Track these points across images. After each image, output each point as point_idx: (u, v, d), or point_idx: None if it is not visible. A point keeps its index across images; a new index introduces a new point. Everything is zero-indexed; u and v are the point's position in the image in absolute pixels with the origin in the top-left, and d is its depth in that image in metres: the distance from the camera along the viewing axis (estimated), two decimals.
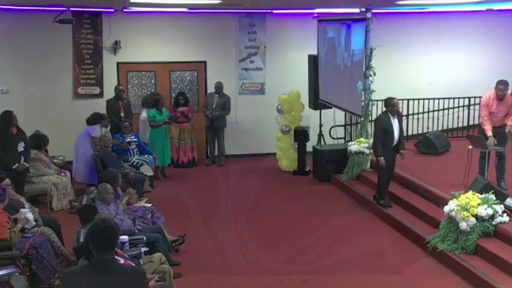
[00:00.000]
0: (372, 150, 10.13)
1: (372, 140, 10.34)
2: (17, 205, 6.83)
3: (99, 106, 11.23)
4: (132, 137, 10.56)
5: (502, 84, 7.94)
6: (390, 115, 8.41)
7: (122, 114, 11.00)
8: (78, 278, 3.70)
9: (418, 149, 10.74)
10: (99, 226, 3.70)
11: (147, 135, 11.23)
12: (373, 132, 8.90)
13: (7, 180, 6.95)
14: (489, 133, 7.99)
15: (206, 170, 11.87)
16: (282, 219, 8.83)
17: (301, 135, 11.27)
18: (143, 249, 6.18)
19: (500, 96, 7.95)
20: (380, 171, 8.71)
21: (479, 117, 8.57)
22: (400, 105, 8.64)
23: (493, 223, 6.83)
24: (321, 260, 7.06)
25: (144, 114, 11.46)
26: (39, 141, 9.43)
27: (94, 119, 10.20)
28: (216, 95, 11.83)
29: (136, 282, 3.75)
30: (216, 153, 12.15)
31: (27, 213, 6.65)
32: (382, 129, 8.40)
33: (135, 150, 10.46)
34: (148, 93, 12.09)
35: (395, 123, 8.44)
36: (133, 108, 11.81)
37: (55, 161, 9.97)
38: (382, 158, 8.41)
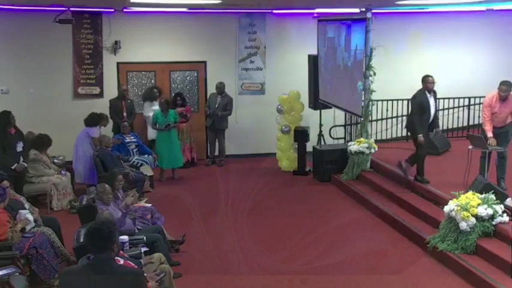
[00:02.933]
0: (373, 149, 10.16)
1: (371, 140, 10.39)
2: (17, 205, 6.83)
3: (99, 106, 11.24)
4: (132, 137, 10.54)
5: (504, 85, 7.95)
6: (426, 92, 8.54)
7: (125, 114, 10.99)
8: (77, 277, 3.70)
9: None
10: (91, 229, 3.70)
11: (153, 131, 11.19)
12: (410, 110, 8.99)
13: (5, 182, 6.95)
14: (489, 134, 8.00)
15: (206, 170, 11.86)
16: (282, 219, 8.83)
17: (301, 135, 11.26)
18: (143, 249, 6.18)
19: (502, 97, 7.95)
20: (419, 149, 8.72)
21: (479, 117, 8.58)
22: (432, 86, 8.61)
23: (493, 223, 6.83)
24: (321, 260, 7.06)
25: (148, 113, 11.41)
26: (41, 141, 9.41)
27: (92, 120, 10.18)
28: (219, 96, 11.82)
29: (134, 283, 3.75)
30: (216, 153, 12.15)
31: (27, 214, 6.65)
32: (419, 105, 8.52)
33: (134, 150, 10.45)
34: (149, 86, 12.10)
35: (431, 100, 8.58)
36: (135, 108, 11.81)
37: (55, 161, 9.98)
38: (420, 135, 8.51)
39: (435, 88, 8.73)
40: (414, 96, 8.72)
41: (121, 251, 5.33)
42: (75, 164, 10.04)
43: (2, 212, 6.40)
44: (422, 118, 8.55)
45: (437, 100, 8.88)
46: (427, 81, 8.54)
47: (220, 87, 11.78)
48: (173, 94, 12.16)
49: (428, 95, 8.56)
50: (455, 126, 11.98)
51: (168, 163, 10.83)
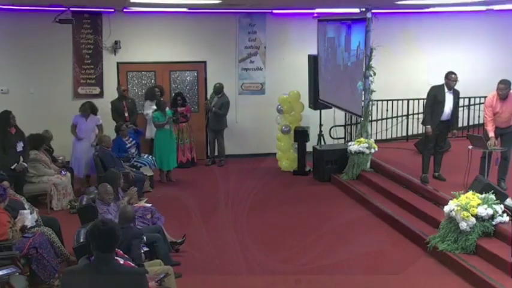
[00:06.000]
0: (373, 149, 10.17)
1: (371, 140, 10.40)
2: (17, 205, 6.83)
3: (99, 106, 11.23)
4: (131, 140, 10.52)
5: (502, 84, 7.94)
6: (446, 88, 8.51)
7: (126, 114, 11.00)
8: (78, 277, 3.69)
9: (418, 149, 10.73)
10: (101, 228, 3.69)
11: (153, 131, 11.19)
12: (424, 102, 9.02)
13: (5, 183, 6.95)
14: (491, 134, 7.98)
15: (206, 170, 11.86)
16: (282, 219, 8.83)
17: (301, 135, 11.27)
18: (143, 249, 6.17)
19: (501, 96, 7.94)
20: (423, 143, 8.76)
21: (479, 117, 8.56)
22: (455, 83, 8.54)
23: (493, 223, 6.83)
24: (321, 260, 7.06)
25: (147, 111, 11.45)
26: (36, 140, 9.39)
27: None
28: (216, 96, 11.84)
29: (136, 282, 3.74)
30: (216, 153, 12.15)
31: (27, 215, 6.65)
32: (432, 97, 8.53)
33: (135, 153, 10.44)
34: (150, 86, 12.08)
35: (448, 96, 8.52)
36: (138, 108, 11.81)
37: (60, 158, 10.08)
38: (429, 126, 8.54)
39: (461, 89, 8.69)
40: (431, 88, 8.72)
41: (121, 251, 5.34)
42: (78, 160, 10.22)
43: (2, 212, 6.40)
44: (433, 110, 8.53)
45: (458, 100, 8.81)
46: (449, 78, 8.48)
47: (218, 88, 11.81)
48: (173, 94, 12.16)
49: (446, 91, 8.49)
50: None
51: (168, 164, 10.81)
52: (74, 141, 10.26)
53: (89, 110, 10.28)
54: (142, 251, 6.10)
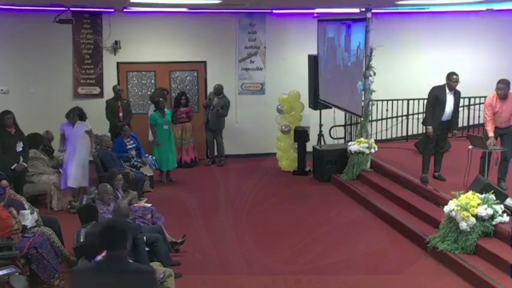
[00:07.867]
0: (373, 149, 10.17)
1: (371, 140, 10.40)
2: (17, 205, 6.83)
3: (99, 106, 11.26)
4: (132, 141, 10.51)
5: (501, 83, 7.93)
6: (447, 88, 8.49)
7: (121, 114, 10.98)
8: (88, 276, 3.69)
9: (418, 149, 10.73)
10: (108, 225, 3.70)
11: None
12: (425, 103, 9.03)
13: (4, 182, 6.95)
14: (490, 134, 7.97)
15: (206, 170, 11.87)
16: (282, 219, 8.82)
17: (301, 135, 11.27)
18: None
19: (501, 96, 7.93)
20: (424, 143, 8.78)
21: (479, 117, 8.56)
22: (456, 84, 8.49)
23: (493, 223, 6.83)
24: (321, 260, 7.06)
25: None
26: (34, 140, 9.34)
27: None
28: (216, 97, 11.85)
29: (146, 281, 3.74)
30: (216, 153, 12.16)
31: (28, 215, 6.66)
32: (434, 98, 8.51)
33: (134, 154, 10.44)
34: (159, 88, 11.92)
35: (450, 97, 8.50)
36: (133, 108, 11.82)
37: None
38: (430, 127, 8.52)
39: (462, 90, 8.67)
40: (432, 88, 8.70)
41: None
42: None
43: (1, 209, 6.41)
44: (434, 111, 8.52)
45: (459, 100, 8.80)
46: (450, 79, 8.45)
47: (218, 89, 11.82)
48: (173, 94, 12.15)
49: (447, 91, 8.47)
50: None
51: (167, 164, 10.81)
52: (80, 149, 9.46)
53: (77, 117, 9.41)
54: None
